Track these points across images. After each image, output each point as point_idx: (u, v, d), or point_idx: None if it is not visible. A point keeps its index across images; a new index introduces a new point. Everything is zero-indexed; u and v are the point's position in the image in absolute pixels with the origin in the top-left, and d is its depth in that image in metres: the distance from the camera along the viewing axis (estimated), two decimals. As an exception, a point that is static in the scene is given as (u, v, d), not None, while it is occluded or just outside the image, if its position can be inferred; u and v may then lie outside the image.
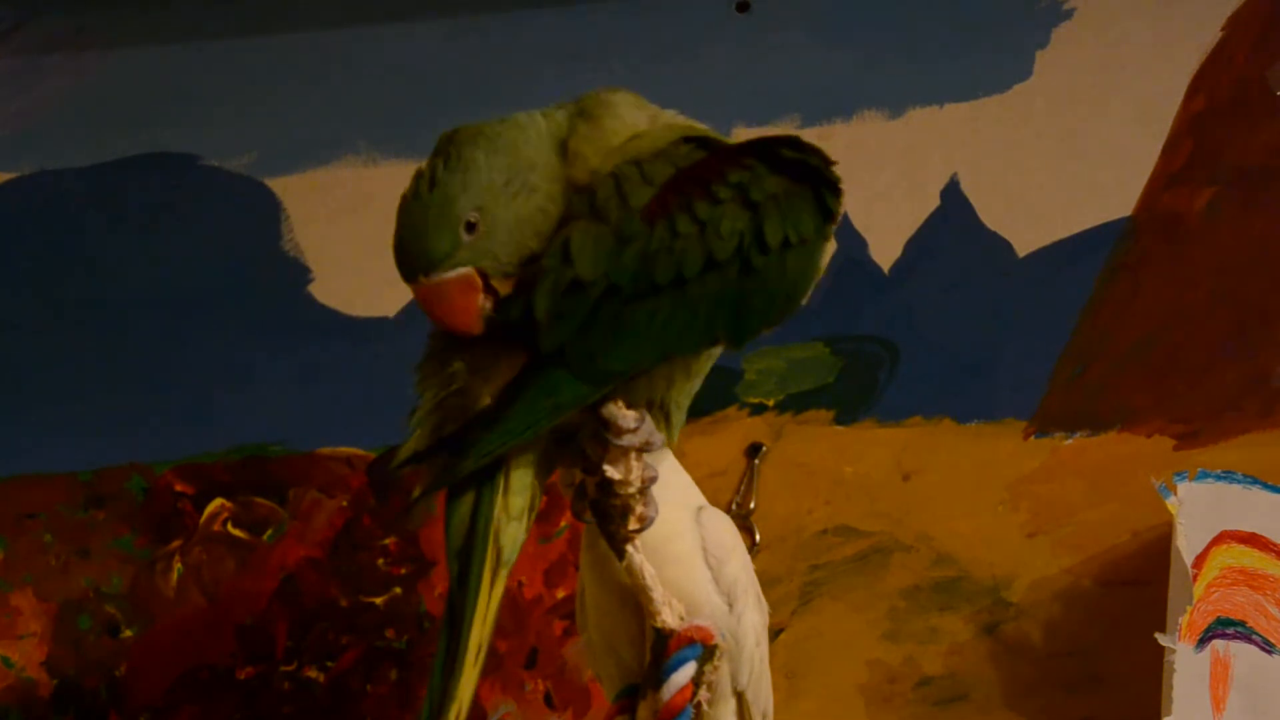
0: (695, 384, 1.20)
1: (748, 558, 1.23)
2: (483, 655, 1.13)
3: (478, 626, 1.12)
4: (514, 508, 1.13)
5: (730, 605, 1.19)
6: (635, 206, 1.11)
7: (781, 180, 1.13)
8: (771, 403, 1.54)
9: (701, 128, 1.20)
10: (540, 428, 1.11)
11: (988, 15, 1.59)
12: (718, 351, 1.19)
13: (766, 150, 1.15)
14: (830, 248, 1.17)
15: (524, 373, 1.11)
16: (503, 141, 1.13)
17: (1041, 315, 1.53)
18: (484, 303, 1.12)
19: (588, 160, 1.15)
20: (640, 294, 1.11)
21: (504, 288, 1.13)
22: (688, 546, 1.19)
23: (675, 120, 1.20)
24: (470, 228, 1.11)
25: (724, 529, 1.22)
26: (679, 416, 1.19)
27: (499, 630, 1.50)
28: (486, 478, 1.12)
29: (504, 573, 1.14)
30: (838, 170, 1.15)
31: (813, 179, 1.15)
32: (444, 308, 1.12)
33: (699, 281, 1.11)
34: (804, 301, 1.17)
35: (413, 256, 1.12)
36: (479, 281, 1.11)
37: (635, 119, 1.17)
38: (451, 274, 1.11)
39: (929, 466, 1.51)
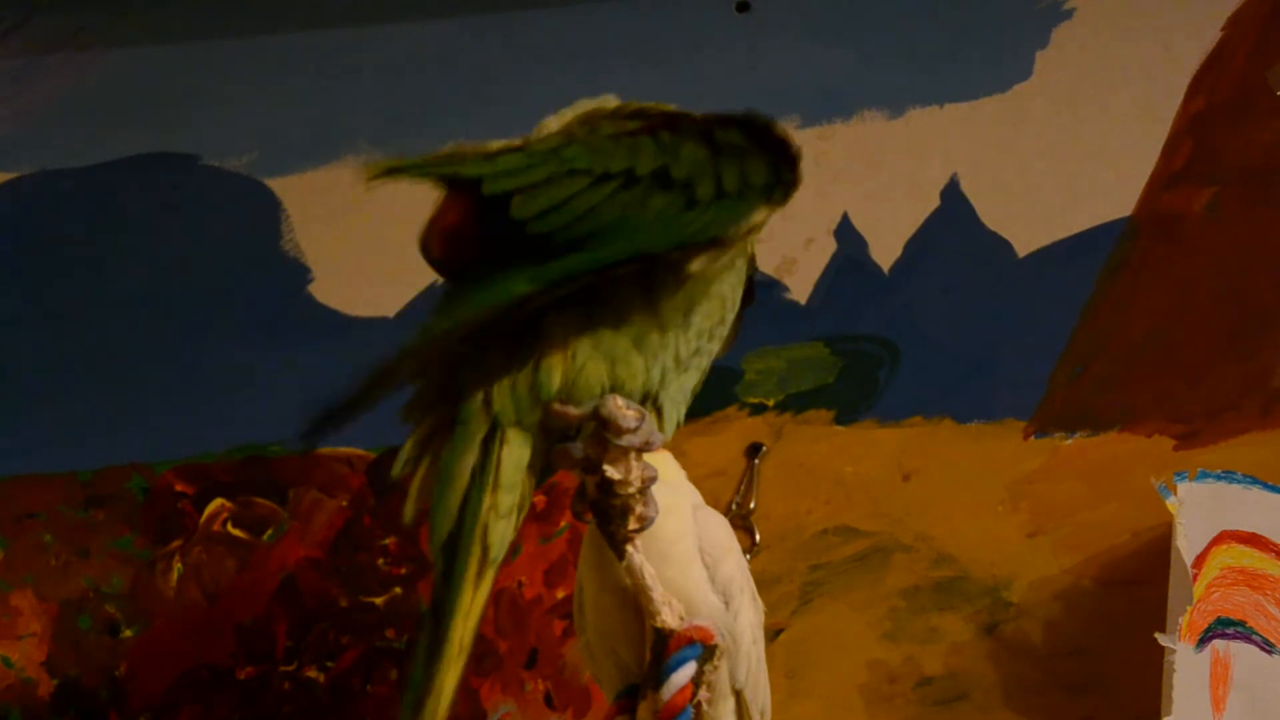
0: (687, 380, 1.20)
1: (742, 556, 1.24)
2: (466, 652, 1.13)
3: (460, 622, 1.12)
4: (503, 505, 1.12)
5: (726, 604, 1.19)
6: (602, 133, 1.15)
7: (743, 138, 1.15)
8: (771, 403, 1.54)
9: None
10: (483, 310, 1.11)
11: (988, 15, 1.59)
12: (711, 347, 1.19)
13: (734, 117, 1.17)
14: (764, 211, 1.16)
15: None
16: None
17: (1041, 315, 1.53)
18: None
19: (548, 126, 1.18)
20: (591, 175, 1.11)
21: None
22: (687, 547, 1.19)
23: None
24: None
25: (718, 527, 1.22)
26: (672, 412, 1.19)
27: (499, 630, 1.51)
28: (477, 472, 1.13)
29: (491, 571, 1.13)
30: (796, 151, 1.16)
31: (773, 151, 1.16)
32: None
33: (650, 184, 1.12)
34: (713, 243, 1.16)
35: None
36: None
37: (604, 105, 1.19)
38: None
39: (929, 466, 1.51)
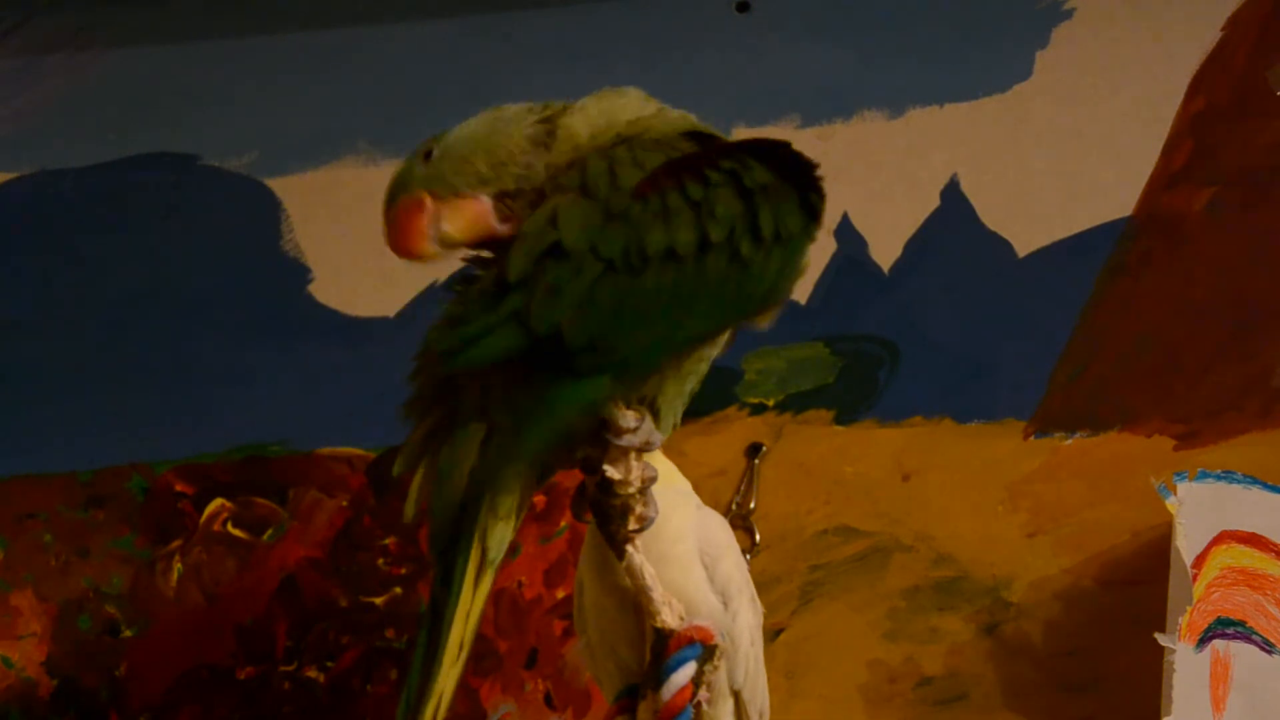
0: (688, 385, 1.20)
1: (741, 557, 1.24)
2: (465, 653, 1.13)
3: (459, 624, 1.12)
4: (502, 508, 1.12)
5: (725, 604, 1.19)
6: (624, 186, 1.11)
7: (770, 173, 1.14)
8: (771, 403, 1.54)
9: (706, 128, 1.20)
10: (554, 438, 1.11)
11: (988, 15, 1.59)
12: (711, 352, 1.19)
13: (754, 146, 1.15)
14: (808, 249, 1.17)
15: (527, 388, 1.11)
16: (487, 111, 1.17)
17: (1041, 315, 1.53)
18: (432, 225, 1.13)
19: (575, 135, 1.15)
20: (634, 270, 1.10)
21: (458, 209, 1.13)
22: (688, 548, 1.19)
23: (684, 117, 1.20)
24: (427, 156, 1.14)
25: (717, 528, 1.22)
26: (668, 414, 1.19)
27: (499, 630, 1.51)
28: (475, 474, 1.13)
29: (490, 572, 1.13)
30: (823, 174, 1.16)
31: (798, 178, 1.15)
32: (393, 233, 1.14)
33: (694, 260, 1.11)
34: (783, 299, 1.17)
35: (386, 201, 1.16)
36: (428, 203, 1.13)
37: (640, 107, 1.18)
38: (402, 197, 1.14)
39: (929, 466, 1.51)
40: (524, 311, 1.09)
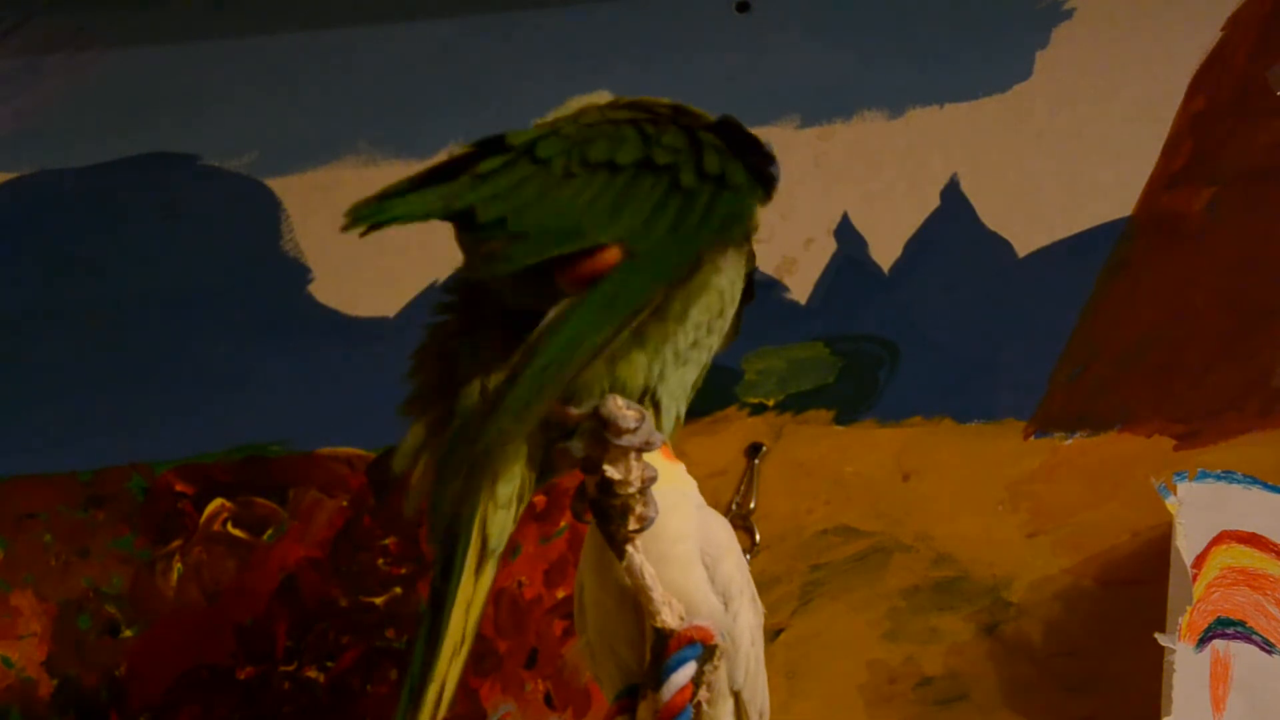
0: (688, 374, 1.19)
1: (742, 557, 1.23)
2: (467, 646, 1.12)
3: (459, 614, 1.11)
4: (501, 495, 1.12)
5: (726, 604, 1.19)
6: (572, 124, 1.17)
7: (714, 130, 1.19)
8: (771, 403, 1.54)
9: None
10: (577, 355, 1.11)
11: (988, 15, 1.59)
12: (710, 341, 1.19)
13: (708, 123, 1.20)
14: (756, 212, 1.19)
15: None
16: None
17: (1041, 315, 1.53)
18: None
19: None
20: (569, 173, 1.13)
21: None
22: (688, 548, 1.19)
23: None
24: None
25: (718, 528, 1.22)
26: (670, 406, 1.18)
27: (499, 630, 1.51)
28: (474, 463, 1.13)
29: (491, 562, 1.13)
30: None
31: (745, 146, 1.18)
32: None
33: (630, 174, 1.13)
34: (731, 244, 1.18)
35: None
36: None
37: (597, 100, 1.20)
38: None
39: (929, 466, 1.51)
40: (448, 190, 1.12)
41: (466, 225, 1.12)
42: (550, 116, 1.20)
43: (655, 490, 1.15)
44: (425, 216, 1.12)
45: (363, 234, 1.12)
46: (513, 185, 1.12)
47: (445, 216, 1.12)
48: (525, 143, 1.14)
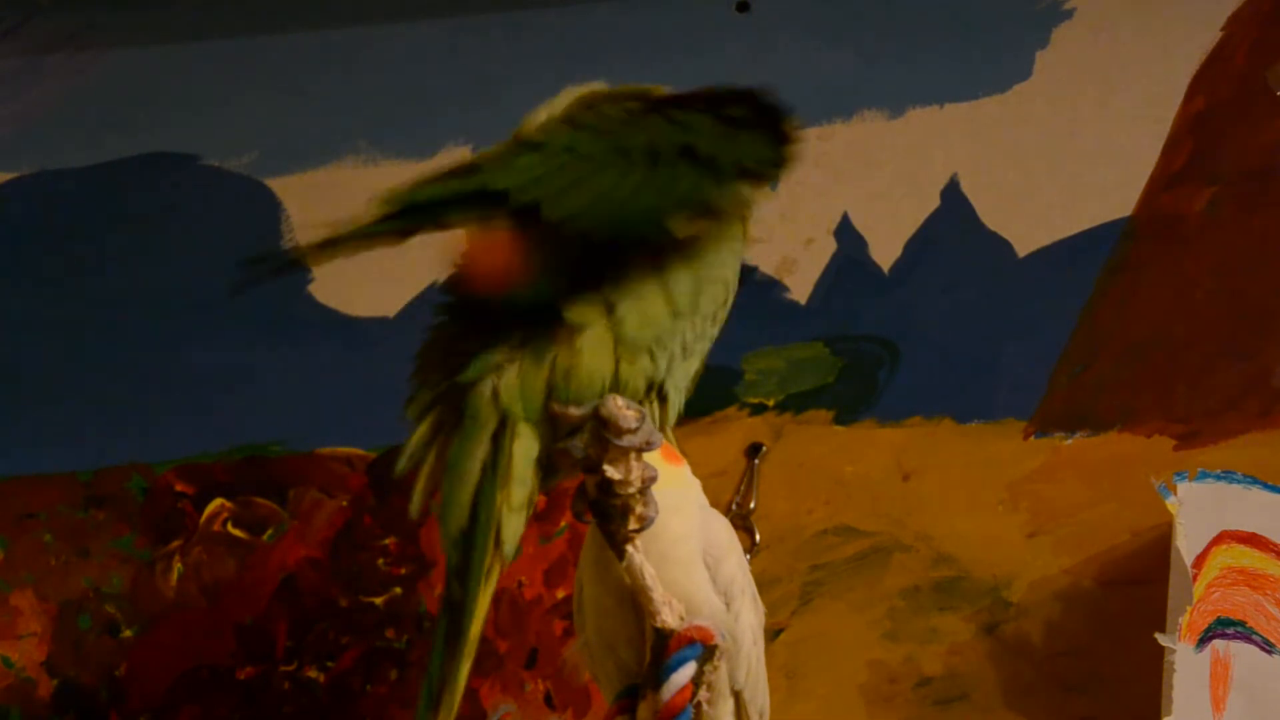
0: (692, 365, 1.19)
1: (744, 558, 1.24)
2: (475, 646, 1.13)
3: (479, 617, 1.12)
4: (516, 499, 1.12)
5: (728, 605, 1.19)
6: (609, 112, 1.15)
7: (748, 110, 1.16)
8: (771, 403, 1.54)
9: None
10: None
11: (988, 15, 1.59)
12: (713, 332, 1.19)
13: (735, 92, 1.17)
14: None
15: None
16: None
17: (1041, 315, 1.53)
18: None
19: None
20: (601, 162, 1.12)
21: None
22: (691, 548, 1.19)
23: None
24: None
25: (720, 529, 1.22)
26: (676, 399, 1.18)
27: (499, 630, 1.51)
28: (488, 467, 1.13)
29: (499, 566, 1.13)
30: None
31: (768, 121, 1.17)
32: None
33: (674, 161, 1.12)
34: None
35: None
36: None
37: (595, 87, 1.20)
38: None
39: (929, 466, 1.51)
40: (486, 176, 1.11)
41: (492, 210, 1.10)
42: (543, 115, 1.19)
43: (658, 491, 1.15)
44: (457, 196, 1.11)
45: (392, 219, 1.11)
46: (550, 170, 1.11)
47: (475, 200, 1.11)
48: (549, 136, 1.13)
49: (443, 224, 1.12)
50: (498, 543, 1.12)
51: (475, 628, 1.12)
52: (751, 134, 1.15)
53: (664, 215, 1.12)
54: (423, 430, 1.15)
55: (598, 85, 1.21)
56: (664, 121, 1.13)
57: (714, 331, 1.20)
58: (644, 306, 1.13)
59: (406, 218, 1.11)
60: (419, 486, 1.14)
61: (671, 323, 1.15)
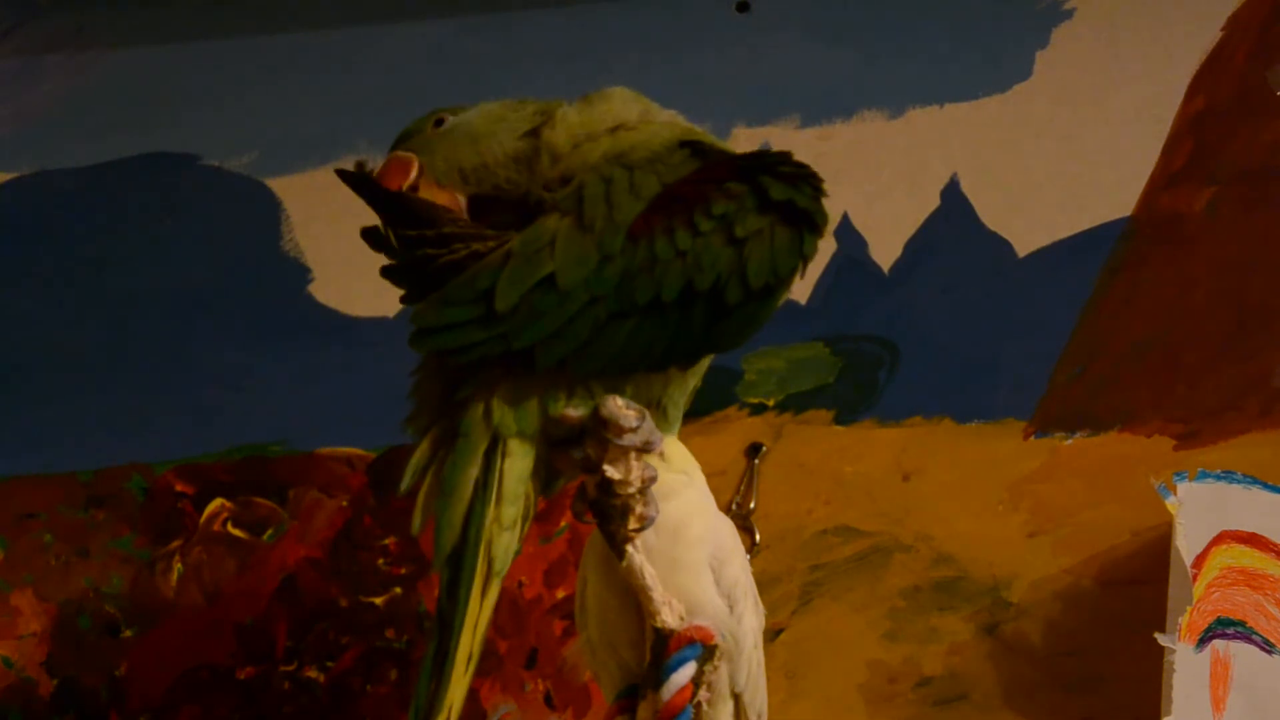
0: (693, 381, 1.20)
1: (747, 560, 1.23)
2: (474, 664, 1.13)
3: (467, 635, 1.12)
4: (506, 518, 1.13)
5: (731, 607, 1.19)
6: (620, 222, 1.13)
7: (767, 219, 1.14)
8: (771, 403, 1.54)
9: (698, 131, 1.20)
10: None
11: (988, 15, 1.59)
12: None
13: (756, 177, 1.15)
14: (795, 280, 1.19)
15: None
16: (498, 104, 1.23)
17: (1041, 315, 1.53)
18: (410, 185, 1.18)
19: (556, 149, 1.18)
20: (622, 312, 1.12)
21: (435, 196, 1.18)
22: (702, 553, 1.19)
23: (674, 121, 1.20)
24: (438, 124, 1.20)
25: (725, 532, 1.22)
26: (675, 413, 1.19)
27: (499, 630, 1.51)
28: (479, 485, 1.13)
29: (496, 583, 1.14)
30: (825, 201, 1.17)
31: (798, 221, 1.15)
32: (381, 172, 1.20)
33: (675, 307, 1.13)
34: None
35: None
36: (413, 169, 1.19)
37: (624, 111, 1.19)
38: (400, 149, 1.20)
39: (929, 466, 1.51)
40: (508, 332, 1.12)
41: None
42: (576, 116, 1.20)
43: (679, 492, 1.16)
44: (478, 354, 1.13)
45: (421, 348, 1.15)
46: (565, 322, 1.12)
47: (500, 353, 1.13)
48: (577, 284, 1.13)
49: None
50: (489, 561, 1.13)
51: (466, 645, 1.12)
52: (773, 241, 1.14)
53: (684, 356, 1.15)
54: (423, 448, 1.15)
55: (618, 93, 1.21)
56: (678, 261, 1.13)
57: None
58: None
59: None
60: (419, 505, 1.14)
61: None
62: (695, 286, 1.13)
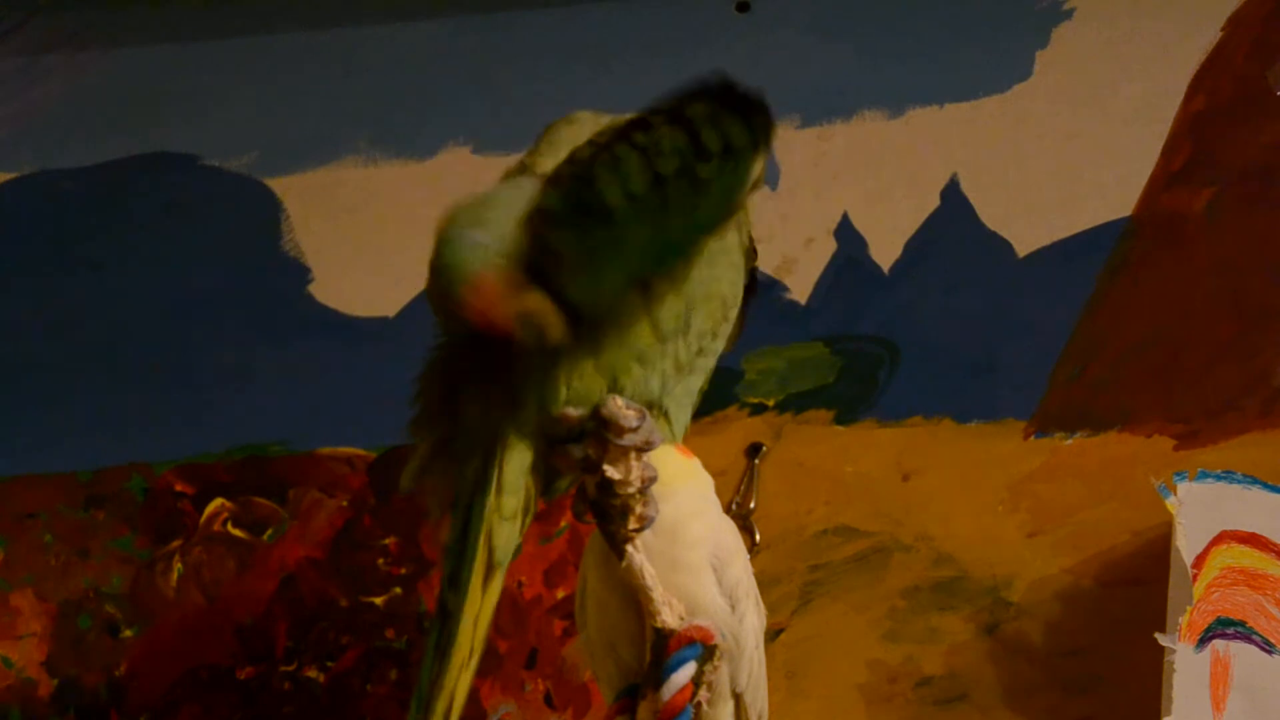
0: (693, 381, 1.20)
1: (748, 561, 1.23)
2: (476, 657, 1.13)
3: (468, 627, 1.12)
4: (507, 508, 1.13)
5: (733, 607, 1.19)
6: (579, 158, 1.14)
7: (709, 104, 1.15)
8: (771, 403, 1.54)
9: None
10: None
11: (988, 15, 1.59)
12: (715, 346, 1.19)
13: (693, 91, 1.16)
14: (761, 164, 1.17)
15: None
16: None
17: (1041, 315, 1.53)
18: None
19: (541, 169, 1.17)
20: (595, 221, 1.11)
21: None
22: (703, 554, 1.19)
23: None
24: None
25: (728, 532, 1.22)
26: (679, 415, 1.19)
27: (499, 630, 1.51)
28: (480, 477, 1.13)
29: (498, 574, 1.14)
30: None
31: (739, 106, 1.16)
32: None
33: (652, 197, 1.11)
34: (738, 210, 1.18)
35: None
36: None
37: (594, 124, 1.19)
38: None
39: (929, 466, 1.51)
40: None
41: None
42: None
43: (680, 492, 1.16)
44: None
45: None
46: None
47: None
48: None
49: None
50: (490, 551, 1.13)
51: (465, 637, 1.12)
52: (721, 124, 1.14)
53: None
54: (425, 447, 1.15)
55: (581, 115, 1.21)
56: (634, 155, 1.12)
57: (717, 346, 1.20)
58: (624, 333, 1.14)
59: None
60: (429, 499, 1.15)
61: (659, 346, 1.15)
62: (661, 173, 1.11)
